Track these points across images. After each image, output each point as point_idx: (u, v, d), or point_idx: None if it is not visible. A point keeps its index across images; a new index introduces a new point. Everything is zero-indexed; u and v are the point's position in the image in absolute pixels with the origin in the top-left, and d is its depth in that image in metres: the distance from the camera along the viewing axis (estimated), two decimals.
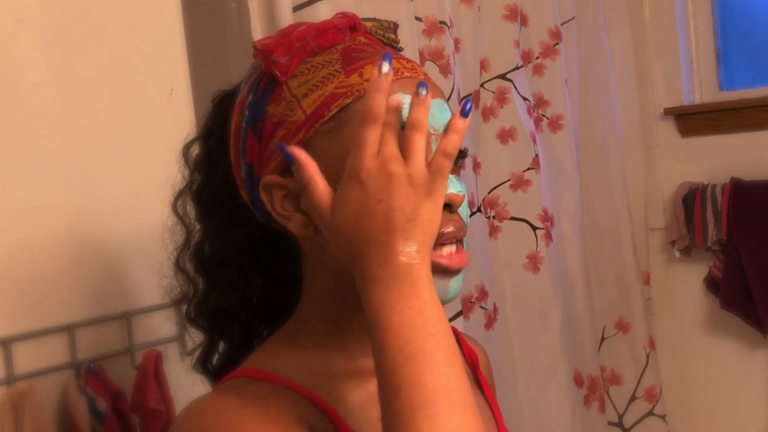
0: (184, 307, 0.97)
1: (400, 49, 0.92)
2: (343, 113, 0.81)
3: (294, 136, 0.82)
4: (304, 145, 0.82)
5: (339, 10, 0.90)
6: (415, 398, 0.68)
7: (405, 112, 0.79)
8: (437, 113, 0.82)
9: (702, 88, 2.44)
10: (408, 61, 0.86)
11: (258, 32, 1.47)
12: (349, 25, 0.87)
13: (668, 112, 2.41)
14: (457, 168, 0.85)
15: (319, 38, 0.84)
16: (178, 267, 0.97)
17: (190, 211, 0.96)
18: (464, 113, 0.76)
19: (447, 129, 0.76)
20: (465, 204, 0.84)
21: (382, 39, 0.90)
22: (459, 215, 0.82)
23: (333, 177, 0.79)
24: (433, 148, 0.81)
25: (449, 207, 0.81)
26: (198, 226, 0.95)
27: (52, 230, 1.28)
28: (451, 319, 1.72)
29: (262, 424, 0.77)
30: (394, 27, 0.92)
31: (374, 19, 0.91)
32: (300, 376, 0.83)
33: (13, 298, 1.23)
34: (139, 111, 1.39)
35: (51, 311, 1.27)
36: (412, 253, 0.72)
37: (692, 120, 2.39)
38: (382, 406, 0.70)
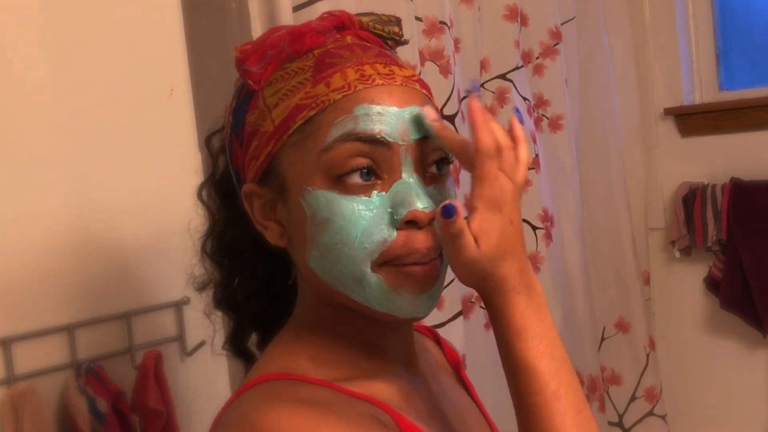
0: (212, 291, 0.97)
1: (405, 42, 0.89)
2: (307, 125, 0.79)
3: (264, 147, 0.81)
4: (274, 157, 0.81)
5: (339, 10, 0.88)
6: (575, 401, 0.76)
7: (366, 123, 0.77)
8: (412, 123, 0.79)
9: (702, 88, 2.44)
10: (386, 65, 0.82)
11: (258, 32, 1.47)
12: (335, 25, 0.83)
13: (668, 112, 2.41)
14: (440, 176, 0.81)
15: (295, 43, 0.81)
16: (204, 252, 0.95)
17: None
18: (522, 122, 0.80)
19: (518, 142, 0.79)
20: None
21: (381, 34, 0.86)
22: (425, 233, 0.78)
23: (297, 191, 0.79)
24: (403, 160, 0.78)
25: (415, 224, 0.77)
26: (221, 213, 0.95)
27: (52, 230, 1.28)
28: (450, 319, 1.72)
29: (343, 424, 0.74)
30: (396, 20, 0.89)
31: (372, 14, 0.88)
32: (331, 376, 0.80)
33: (13, 298, 1.23)
34: (139, 111, 1.39)
35: (51, 311, 1.27)
36: (528, 262, 0.79)
37: (692, 120, 2.39)
38: (539, 409, 0.75)
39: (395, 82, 0.80)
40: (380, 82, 0.79)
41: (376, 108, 0.78)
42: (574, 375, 0.78)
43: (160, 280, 1.35)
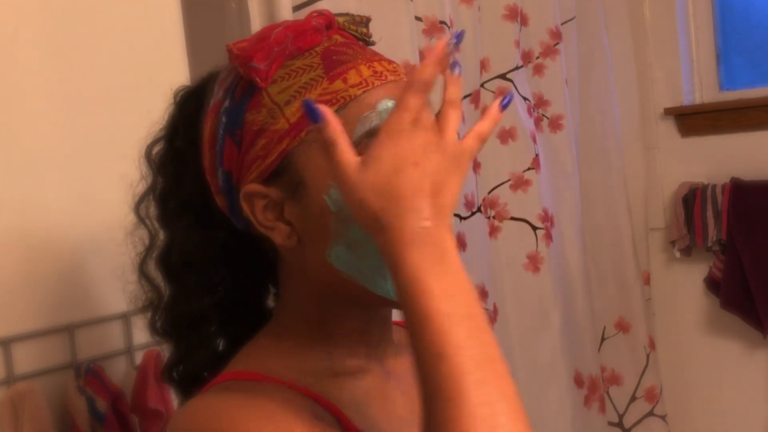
0: (148, 316, 0.94)
1: (372, 44, 0.89)
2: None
3: (277, 145, 0.80)
4: (288, 154, 0.80)
5: (339, 10, 0.89)
6: (463, 363, 0.67)
7: (380, 120, 0.78)
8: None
9: (702, 88, 2.44)
10: (389, 62, 0.84)
11: None
12: (326, 23, 0.84)
13: (668, 112, 2.41)
14: None
15: (298, 41, 0.82)
16: (143, 273, 0.94)
17: (152, 213, 0.94)
18: (503, 105, 0.77)
19: (484, 115, 0.76)
20: None
21: (355, 34, 0.87)
22: None
23: (319, 188, 0.79)
24: None
25: None
26: (160, 229, 0.93)
27: (52, 230, 1.28)
28: None
29: (266, 421, 0.75)
30: (366, 21, 0.89)
31: (347, 14, 0.89)
32: (294, 376, 0.82)
33: (13, 298, 1.23)
34: (139, 111, 1.39)
35: (51, 311, 1.27)
36: (440, 220, 0.71)
37: (692, 120, 2.39)
38: (424, 373, 0.68)
39: (401, 78, 0.83)
40: (391, 78, 0.82)
41: (395, 102, 0.78)
42: (477, 335, 0.69)
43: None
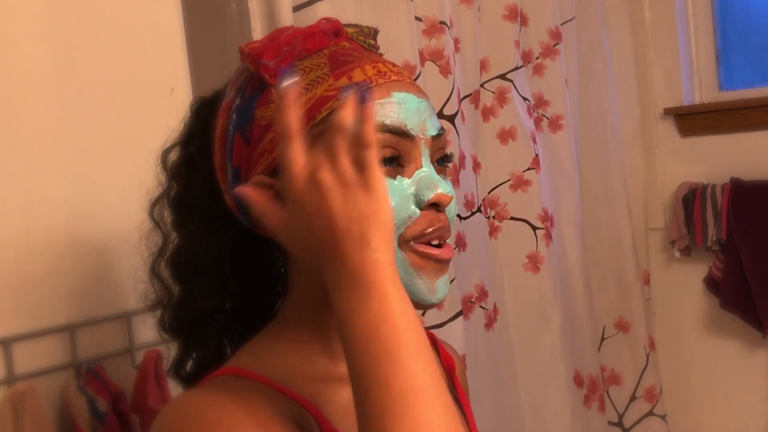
0: (158, 314, 0.97)
1: (380, 55, 0.93)
2: (333, 116, 0.80)
3: None
4: None
5: (339, 11, 0.91)
6: (383, 400, 0.68)
7: (392, 115, 0.82)
8: (425, 116, 0.85)
9: (702, 88, 2.44)
10: (393, 64, 0.88)
11: (258, 32, 1.47)
12: (334, 30, 0.88)
13: (668, 112, 2.41)
14: (443, 169, 0.88)
15: (307, 42, 0.85)
16: (154, 273, 0.97)
17: (167, 217, 0.97)
18: (361, 101, 0.74)
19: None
20: (453, 204, 0.86)
21: (363, 44, 0.91)
22: (445, 215, 0.84)
23: None
24: (422, 152, 0.84)
25: (436, 206, 0.83)
26: (174, 233, 0.96)
27: (52, 230, 1.28)
28: (450, 319, 1.73)
29: (246, 417, 0.76)
30: (374, 33, 0.94)
31: (355, 25, 0.93)
32: (284, 376, 0.83)
33: (13, 298, 1.23)
34: (139, 111, 1.39)
35: (51, 311, 1.27)
36: (367, 251, 0.72)
37: (692, 120, 2.39)
38: (356, 411, 0.70)
39: (405, 79, 0.87)
40: (395, 78, 0.85)
41: (400, 101, 0.83)
42: (396, 371, 0.69)
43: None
